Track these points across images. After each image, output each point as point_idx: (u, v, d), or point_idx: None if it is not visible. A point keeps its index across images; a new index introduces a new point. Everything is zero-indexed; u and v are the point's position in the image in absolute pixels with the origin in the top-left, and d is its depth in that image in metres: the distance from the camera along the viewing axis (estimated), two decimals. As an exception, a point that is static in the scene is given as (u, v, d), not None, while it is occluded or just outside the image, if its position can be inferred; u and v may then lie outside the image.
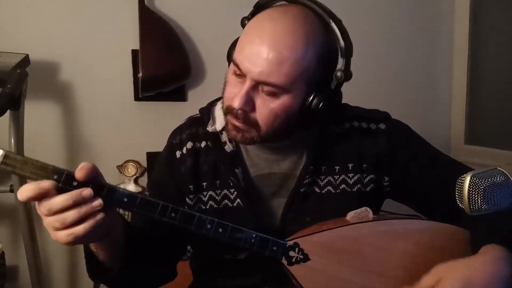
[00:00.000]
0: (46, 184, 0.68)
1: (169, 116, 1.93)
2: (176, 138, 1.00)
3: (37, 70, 1.69)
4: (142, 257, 0.88)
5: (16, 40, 1.73)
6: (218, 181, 0.96)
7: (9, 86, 1.33)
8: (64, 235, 0.69)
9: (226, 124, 0.90)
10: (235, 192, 0.94)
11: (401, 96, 2.22)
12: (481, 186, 0.68)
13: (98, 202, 0.70)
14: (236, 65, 0.83)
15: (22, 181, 1.59)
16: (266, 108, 0.84)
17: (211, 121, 0.97)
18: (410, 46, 2.21)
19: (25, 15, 1.77)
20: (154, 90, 1.84)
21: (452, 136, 2.31)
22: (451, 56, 2.25)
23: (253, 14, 0.90)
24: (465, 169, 0.94)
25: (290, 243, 0.82)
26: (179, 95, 1.95)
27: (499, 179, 0.68)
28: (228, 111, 0.87)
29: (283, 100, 0.83)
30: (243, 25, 0.90)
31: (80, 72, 1.84)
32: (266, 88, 0.82)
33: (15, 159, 0.71)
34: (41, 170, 0.71)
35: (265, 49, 0.80)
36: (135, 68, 1.88)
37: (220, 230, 0.79)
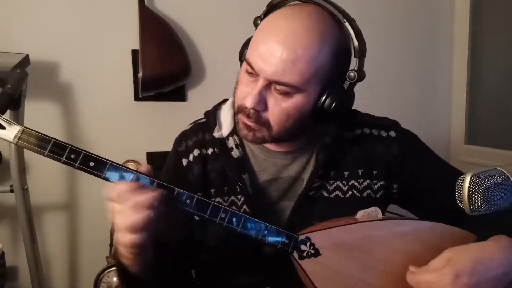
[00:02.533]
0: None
1: (169, 116, 1.94)
2: (182, 145, 0.99)
3: (37, 70, 1.69)
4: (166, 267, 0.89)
5: (16, 40, 1.73)
6: (226, 188, 0.95)
7: (9, 86, 1.33)
8: (137, 218, 0.71)
9: (237, 123, 0.90)
10: (242, 198, 0.94)
11: (401, 96, 2.22)
12: (481, 186, 0.68)
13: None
14: (249, 64, 0.83)
15: (22, 181, 1.59)
16: (278, 108, 0.83)
17: (217, 126, 0.96)
18: (410, 46, 2.21)
19: (25, 15, 1.77)
20: (154, 90, 1.84)
21: (452, 136, 2.31)
22: (451, 56, 2.25)
23: (266, 14, 0.89)
24: None
25: (302, 237, 0.82)
26: (179, 95, 1.95)
27: (499, 179, 0.68)
28: (240, 110, 0.87)
29: (296, 100, 0.83)
30: (255, 24, 0.89)
31: (80, 72, 1.84)
32: (279, 87, 0.81)
33: (33, 136, 0.72)
34: (59, 149, 0.72)
35: (279, 48, 0.79)
36: (135, 68, 1.88)
37: (234, 219, 0.79)
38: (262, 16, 0.90)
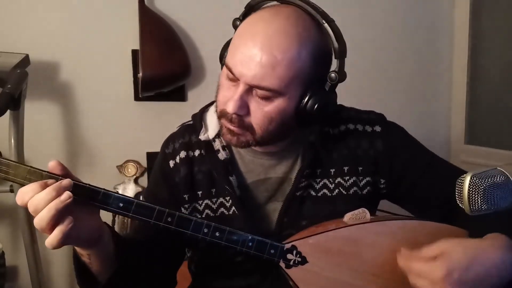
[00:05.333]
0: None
1: (169, 116, 1.93)
2: (169, 147, 0.99)
3: (37, 70, 1.69)
4: (136, 268, 0.87)
5: (16, 40, 1.73)
6: (214, 190, 0.95)
7: (9, 86, 1.33)
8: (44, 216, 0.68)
9: (221, 127, 0.89)
10: (230, 200, 0.93)
11: (401, 96, 2.22)
12: (481, 186, 0.68)
13: (67, 181, 0.69)
14: (229, 69, 0.83)
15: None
16: (260, 112, 0.83)
17: (203, 129, 0.96)
18: (410, 46, 2.21)
19: (25, 15, 1.77)
20: (154, 90, 1.84)
21: (452, 136, 2.31)
22: (451, 56, 2.25)
23: (244, 15, 0.89)
24: (459, 171, 0.94)
25: (288, 245, 0.81)
26: (179, 95, 1.95)
27: (499, 179, 0.68)
28: (222, 115, 0.87)
29: (278, 103, 0.83)
30: (234, 26, 0.89)
31: (80, 72, 1.84)
32: (260, 92, 0.81)
33: (8, 165, 0.70)
34: (35, 176, 0.70)
35: (257, 52, 0.78)
36: (135, 68, 1.88)
37: (217, 234, 0.78)
38: (241, 18, 0.89)
